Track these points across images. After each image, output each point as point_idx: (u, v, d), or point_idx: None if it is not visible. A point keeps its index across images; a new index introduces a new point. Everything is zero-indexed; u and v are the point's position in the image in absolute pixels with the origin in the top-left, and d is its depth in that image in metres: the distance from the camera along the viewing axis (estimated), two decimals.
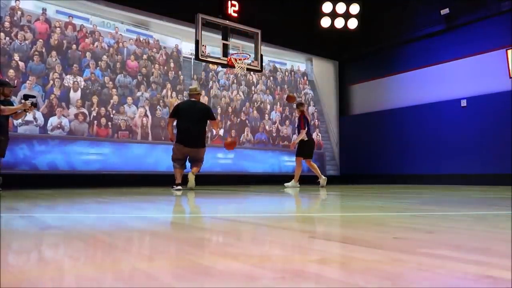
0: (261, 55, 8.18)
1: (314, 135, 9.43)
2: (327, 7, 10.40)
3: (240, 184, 7.83)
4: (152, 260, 1.02)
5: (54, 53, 7.34)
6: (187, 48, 8.94)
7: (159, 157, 8.31)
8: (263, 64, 8.63)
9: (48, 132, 7.12)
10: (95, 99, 7.70)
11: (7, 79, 6.80)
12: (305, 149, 7.03)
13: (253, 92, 10.14)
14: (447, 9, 9.19)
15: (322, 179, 7.06)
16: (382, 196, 4.19)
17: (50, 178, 6.93)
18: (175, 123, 5.77)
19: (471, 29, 9.04)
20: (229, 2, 7.77)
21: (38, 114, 7.04)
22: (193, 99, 5.84)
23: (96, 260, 1.04)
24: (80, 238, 1.42)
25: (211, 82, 9.41)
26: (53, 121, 7.18)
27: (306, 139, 7.00)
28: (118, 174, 7.74)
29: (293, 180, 7.07)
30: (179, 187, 5.46)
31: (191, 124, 5.60)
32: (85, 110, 7.57)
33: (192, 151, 5.62)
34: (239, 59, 7.66)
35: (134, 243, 1.38)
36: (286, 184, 7.13)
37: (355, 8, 10.39)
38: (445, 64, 9.51)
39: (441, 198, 3.91)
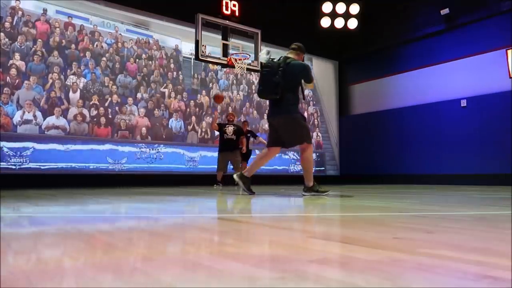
0: None
1: (314, 135, 11.07)
2: (327, 7, 10.40)
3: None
4: (152, 260, 1.02)
5: (56, 52, 7.34)
6: (187, 48, 8.93)
7: (159, 157, 8.31)
8: None
9: (44, 132, 7.12)
10: (95, 98, 7.70)
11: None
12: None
13: (253, 92, 10.13)
14: (447, 9, 9.20)
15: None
16: (382, 196, 4.18)
17: (50, 178, 6.92)
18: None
19: (471, 29, 9.04)
20: (229, 2, 7.76)
21: (38, 114, 7.03)
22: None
23: (96, 260, 1.04)
24: (80, 238, 1.42)
25: (210, 84, 9.41)
26: (49, 120, 7.17)
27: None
28: (118, 174, 7.74)
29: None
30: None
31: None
32: (85, 110, 7.56)
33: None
34: (239, 59, 7.66)
35: (134, 243, 1.38)
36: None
37: (355, 8, 10.38)
38: (445, 64, 9.50)
39: (441, 198, 3.91)
